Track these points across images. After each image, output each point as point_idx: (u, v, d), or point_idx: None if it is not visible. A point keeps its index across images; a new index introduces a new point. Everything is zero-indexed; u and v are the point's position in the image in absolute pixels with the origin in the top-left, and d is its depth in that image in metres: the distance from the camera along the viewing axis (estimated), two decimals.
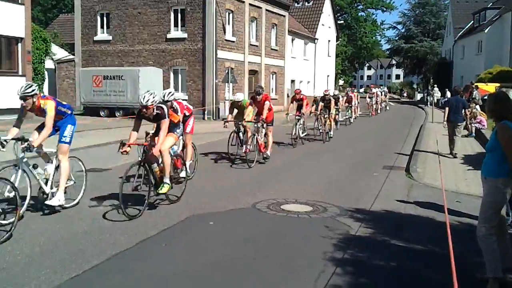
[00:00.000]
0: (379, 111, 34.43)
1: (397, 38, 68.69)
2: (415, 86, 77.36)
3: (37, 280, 4.88)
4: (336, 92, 24.09)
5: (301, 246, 6.13)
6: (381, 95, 36.87)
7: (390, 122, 28.28)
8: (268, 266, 5.43)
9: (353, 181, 10.49)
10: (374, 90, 33.80)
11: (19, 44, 22.06)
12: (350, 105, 25.43)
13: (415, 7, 66.13)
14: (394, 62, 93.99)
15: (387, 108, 39.98)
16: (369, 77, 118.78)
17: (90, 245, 5.95)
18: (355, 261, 5.64)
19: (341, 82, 54.49)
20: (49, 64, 31.57)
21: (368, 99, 33.09)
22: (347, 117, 24.77)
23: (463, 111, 14.15)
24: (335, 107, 19.87)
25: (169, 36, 27.43)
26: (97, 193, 8.39)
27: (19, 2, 21.81)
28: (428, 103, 40.13)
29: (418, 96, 59.91)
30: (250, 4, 30.35)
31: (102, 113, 26.14)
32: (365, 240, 6.43)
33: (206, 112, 26.64)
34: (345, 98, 25.67)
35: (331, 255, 5.75)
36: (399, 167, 12.27)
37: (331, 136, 18.21)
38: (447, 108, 13.99)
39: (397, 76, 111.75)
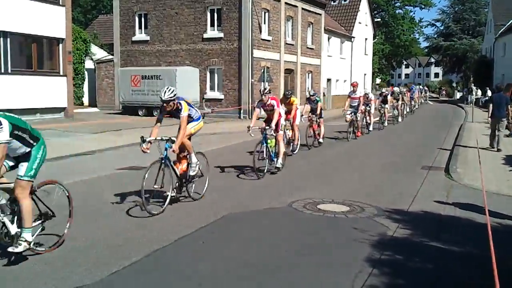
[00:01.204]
0: (371, 128, 20.38)
1: (435, 35, 67.60)
2: (454, 84, 75.94)
3: (79, 275, 5.02)
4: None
5: (338, 246, 6.11)
6: (383, 98, 22.94)
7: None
8: (304, 266, 5.43)
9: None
10: (358, 93, 18.46)
11: (60, 45, 22.62)
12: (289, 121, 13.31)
13: (455, 4, 64.89)
14: (432, 60, 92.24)
15: (405, 115, 27.90)
16: (407, 75, 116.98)
17: (129, 242, 6.07)
18: (393, 262, 5.59)
19: (378, 80, 53.80)
20: (89, 64, 32.40)
21: (347, 114, 17.43)
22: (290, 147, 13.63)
23: (505, 107, 14.76)
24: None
25: (205, 36, 27.66)
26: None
27: (60, 3, 22.36)
28: (468, 101, 39.26)
29: (458, 95, 58.72)
30: (286, 3, 30.31)
31: (140, 112, 26.59)
32: (403, 241, 6.36)
33: (242, 111, 26.78)
34: (281, 109, 11.93)
35: (368, 255, 5.71)
36: (438, 167, 12.07)
37: (281, 164, 11.07)
38: (491, 105, 14.82)
39: (436, 75, 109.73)
